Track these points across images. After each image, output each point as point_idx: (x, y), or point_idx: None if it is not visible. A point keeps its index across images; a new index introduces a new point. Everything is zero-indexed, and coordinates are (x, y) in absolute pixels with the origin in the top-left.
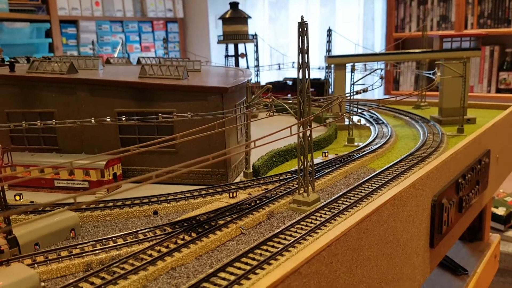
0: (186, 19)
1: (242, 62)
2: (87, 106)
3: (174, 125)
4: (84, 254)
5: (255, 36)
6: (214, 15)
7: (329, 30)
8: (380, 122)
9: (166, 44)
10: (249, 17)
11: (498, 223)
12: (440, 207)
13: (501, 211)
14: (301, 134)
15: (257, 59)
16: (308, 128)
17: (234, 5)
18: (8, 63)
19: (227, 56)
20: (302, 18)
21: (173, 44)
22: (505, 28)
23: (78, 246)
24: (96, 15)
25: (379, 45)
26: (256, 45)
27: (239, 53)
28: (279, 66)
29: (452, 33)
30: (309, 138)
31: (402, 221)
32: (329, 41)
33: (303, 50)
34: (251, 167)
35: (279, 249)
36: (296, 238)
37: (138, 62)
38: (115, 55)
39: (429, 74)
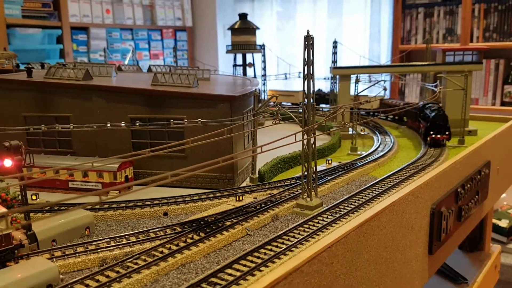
0: (194, 28)
1: (249, 71)
2: (102, 111)
3: (184, 131)
4: (99, 250)
5: (262, 46)
6: (222, 24)
7: (335, 42)
8: (383, 132)
9: (175, 52)
10: (258, 28)
11: (501, 235)
12: (439, 215)
13: (504, 223)
14: (305, 141)
15: (264, 68)
16: (312, 135)
17: (243, 16)
18: (25, 69)
19: (235, 65)
20: (308, 32)
21: (181, 52)
22: (511, 42)
23: (93, 243)
24: (107, 22)
25: (385, 57)
26: (264, 55)
27: (247, 62)
28: (285, 76)
29: (454, 47)
30: (313, 145)
31: (401, 227)
32: (334, 53)
33: (308, 62)
34: (257, 172)
35: (282, 249)
36: (299, 239)
37: (149, 70)
38: (126, 62)
39: (432, 86)
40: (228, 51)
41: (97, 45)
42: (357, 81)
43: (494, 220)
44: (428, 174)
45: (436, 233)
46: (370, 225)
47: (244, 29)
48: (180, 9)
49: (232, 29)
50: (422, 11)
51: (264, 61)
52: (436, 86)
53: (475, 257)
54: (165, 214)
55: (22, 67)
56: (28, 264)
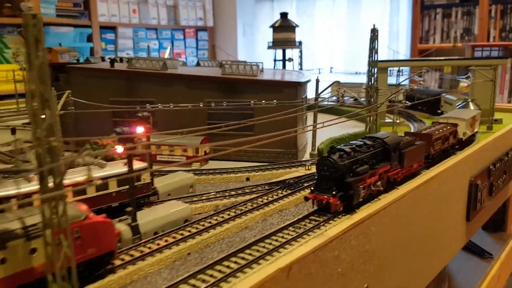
0: (215, 27)
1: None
2: (182, 96)
3: (254, 113)
4: (212, 199)
5: (300, 43)
6: (242, 24)
7: (374, 30)
8: (418, 120)
9: (214, 49)
10: (297, 25)
11: None
12: (475, 187)
13: None
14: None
15: (301, 63)
16: (375, 112)
17: (283, 15)
18: (109, 60)
19: (275, 60)
20: (374, 25)
21: (202, 52)
22: None
23: (204, 195)
24: (133, 22)
25: (403, 56)
26: (301, 51)
27: (287, 58)
28: (319, 71)
29: (483, 43)
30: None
31: (445, 196)
32: (373, 41)
33: (373, 50)
34: (316, 149)
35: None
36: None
37: (197, 64)
38: (166, 56)
39: (463, 78)
40: (269, 47)
41: (124, 44)
42: (398, 73)
43: None
44: (465, 152)
45: (473, 202)
46: (420, 192)
47: (284, 27)
48: (202, 9)
49: (273, 27)
50: (440, 12)
51: (301, 57)
52: (467, 78)
53: (498, 236)
54: (247, 179)
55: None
56: (169, 204)
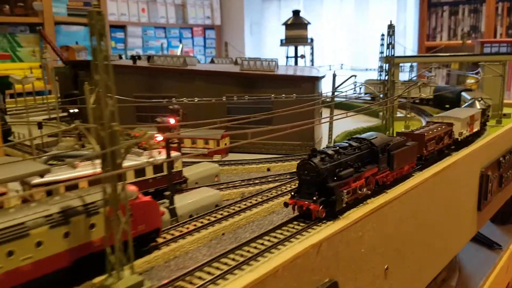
0: (223, 26)
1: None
2: (202, 91)
3: (272, 107)
4: (238, 186)
5: (312, 40)
6: (249, 22)
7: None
8: (428, 115)
9: (226, 47)
10: (309, 23)
11: None
12: (486, 178)
13: None
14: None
15: (312, 60)
16: (391, 105)
17: (296, 13)
18: (130, 57)
19: (287, 57)
20: (390, 21)
21: (210, 50)
22: None
23: (230, 183)
24: (142, 21)
25: (410, 52)
26: (312, 48)
27: (299, 54)
28: (329, 67)
29: (492, 40)
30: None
31: (457, 185)
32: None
33: (389, 45)
34: (332, 141)
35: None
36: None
37: (212, 61)
38: (178, 53)
39: (472, 74)
40: (282, 44)
41: (133, 43)
42: (411, 68)
43: None
44: (476, 144)
45: (484, 193)
46: (435, 181)
47: (297, 24)
48: (209, 8)
49: (286, 24)
50: (447, 9)
51: (312, 53)
52: (477, 73)
53: (507, 229)
54: (268, 169)
55: None
56: (201, 190)
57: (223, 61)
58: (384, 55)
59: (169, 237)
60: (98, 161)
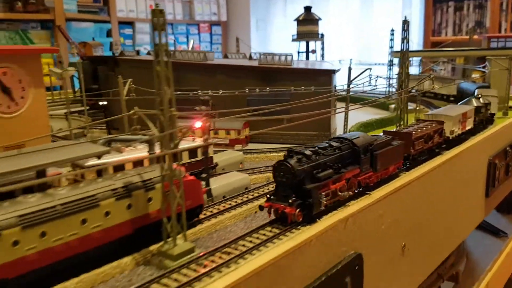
0: (229, 22)
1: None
2: (223, 85)
3: (290, 100)
4: (263, 171)
5: (322, 35)
6: (255, 19)
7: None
8: (436, 107)
9: (238, 42)
10: (320, 19)
11: None
12: (494, 166)
13: None
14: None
15: (322, 55)
16: (405, 95)
17: (307, 9)
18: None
19: (299, 52)
20: (405, 17)
21: (216, 46)
22: None
23: (256, 169)
24: (150, 17)
25: (415, 48)
26: (323, 43)
27: (310, 49)
28: (339, 62)
29: (498, 35)
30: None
31: (467, 172)
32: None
33: (404, 40)
34: (348, 131)
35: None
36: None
37: (225, 56)
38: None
39: (480, 68)
40: (293, 40)
41: (142, 39)
42: (421, 62)
43: None
44: (484, 134)
45: (492, 180)
46: (446, 167)
47: (308, 20)
48: (216, 4)
49: (297, 20)
50: (452, 5)
51: (322, 49)
52: (484, 67)
53: None
54: None
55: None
56: (232, 174)
57: (237, 56)
58: (400, 49)
59: (208, 213)
60: (141, 146)
